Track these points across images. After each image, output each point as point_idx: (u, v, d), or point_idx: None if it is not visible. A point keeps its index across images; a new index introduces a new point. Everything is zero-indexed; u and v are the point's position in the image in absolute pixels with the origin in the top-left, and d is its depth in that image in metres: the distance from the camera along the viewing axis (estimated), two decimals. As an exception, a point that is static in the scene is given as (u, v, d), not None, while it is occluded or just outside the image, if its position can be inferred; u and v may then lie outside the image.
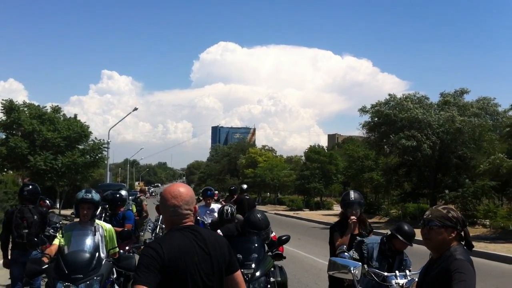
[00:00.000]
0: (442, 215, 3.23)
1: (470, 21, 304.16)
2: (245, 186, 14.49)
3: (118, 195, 8.64)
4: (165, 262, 2.75)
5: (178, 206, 2.94)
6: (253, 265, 5.41)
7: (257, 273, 5.37)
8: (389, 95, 26.93)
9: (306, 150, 47.93)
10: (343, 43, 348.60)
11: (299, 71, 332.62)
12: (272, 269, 5.93)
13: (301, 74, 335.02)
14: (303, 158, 50.55)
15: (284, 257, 6.32)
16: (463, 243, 3.23)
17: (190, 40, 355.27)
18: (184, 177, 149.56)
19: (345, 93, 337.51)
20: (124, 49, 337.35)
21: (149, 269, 2.74)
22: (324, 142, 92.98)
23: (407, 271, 4.82)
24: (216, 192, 13.93)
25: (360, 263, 4.68)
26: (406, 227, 5.24)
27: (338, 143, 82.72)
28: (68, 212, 18.98)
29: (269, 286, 5.56)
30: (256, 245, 5.67)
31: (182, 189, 3.03)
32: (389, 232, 5.18)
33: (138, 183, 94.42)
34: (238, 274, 3.17)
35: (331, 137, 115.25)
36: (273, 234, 6.46)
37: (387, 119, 25.70)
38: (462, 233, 3.22)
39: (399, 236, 5.08)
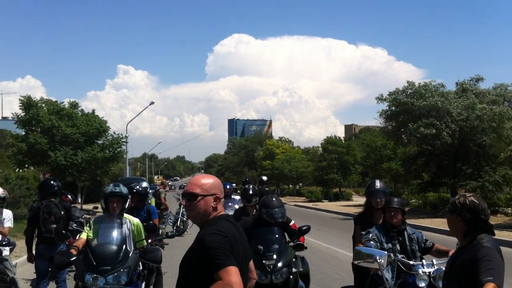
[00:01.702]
0: (452, 201, 3.33)
1: (487, 7, 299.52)
2: (265, 178, 14.50)
3: (142, 188, 8.69)
4: (233, 247, 2.81)
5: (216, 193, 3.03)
6: (275, 256, 5.40)
7: (279, 264, 5.36)
8: (408, 82, 26.63)
9: (323, 141, 47.83)
10: (357, 33, 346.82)
11: (314, 61, 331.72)
12: (294, 259, 5.92)
13: (315, 65, 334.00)
14: (320, 149, 50.42)
15: (305, 247, 6.31)
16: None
17: (203, 33, 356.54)
18: (202, 170, 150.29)
19: (360, 83, 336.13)
20: (139, 44, 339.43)
21: (231, 252, 2.77)
22: (341, 133, 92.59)
23: (434, 260, 4.79)
24: (234, 184, 14.07)
25: (386, 252, 4.67)
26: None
27: (355, 133, 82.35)
28: (89, 206, 19.15)
29: (291, 276, 5.54)
30: (276, 236, 5.66)
31: (208, 176, 3.15)
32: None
33: (158, 177, 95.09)
34: (252, 262, 3.25)
35: (348, 128, 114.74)
36: (292, 222, 6.42)
37: (405, 108, 25.41)
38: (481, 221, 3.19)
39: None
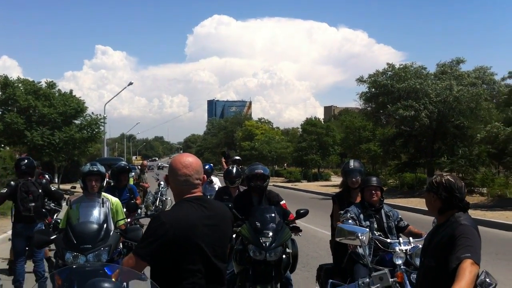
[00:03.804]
0: (429, 181, 3.44)
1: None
2: (236, 157, 14.46)
3: (123, 165, 8.68)
4: (170, 233, 2.77)
5: (190, 175, 2.97)
6: (271, 234, 5.43)
7: (274, 242, 5.42)
8: (388, 64, 26.82)
9: (303, 122, 48.01)
10: (338, 15, 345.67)
11: (295, 43, 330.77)
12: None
13: (296, 47, 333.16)
14: (300, 130, 50.62)
15: (300, 230, 6.35)
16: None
17: (183, 14, 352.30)
18: (181, 151, 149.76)
19: (341, 65, 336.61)
20: (118, 24, 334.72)
21: (150, 242, 2.80)
22: (320, 114, 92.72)
23: (410, 238, 4.89)
24: (212, 165, 14.09)
25: (367, 229, 4.76)
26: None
27: (334, 115, 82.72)
28: (67, 186, 19.04)
29: (284, 256, 5.58)
30: (273, 215, 5.71)
31: (192, 159, 3.06)
32: None
33: (136, 157, 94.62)
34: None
35: (328, 109, 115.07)
36: (283, 202, 6.45)
37: (384, 90, 25.63)
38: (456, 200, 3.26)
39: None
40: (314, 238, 12.03)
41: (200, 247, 2.84)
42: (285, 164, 56.94)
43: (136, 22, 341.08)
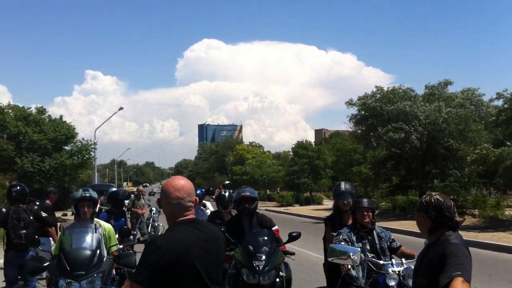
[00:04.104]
0: (419, 201, 3.47)
1: (454, 13, 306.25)
2: (226, 181, 14.54)
3: (123, 191, 8.74)
4: (166, 257, 2.77)
5: (182, 198, 2.98)
6: (264, 257, 5.45)
7: (268, 266, 5.42)
8: (376, 87, 27.13)
9: (294, 146, 48.15)
10: (327, 38, 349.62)
11: (284, 67, 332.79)
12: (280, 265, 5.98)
13: (286, 70, 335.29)
14: (291, 153, 50.72)
15: (293, 253, 6.37)
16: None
17: (173, 38, 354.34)
18: (172, 176, 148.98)
19: (330, 88, 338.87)
20: (108, 49, 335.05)
21: (147, 266, 2.78)
22: (311, 137, 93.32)
23: (403, 260, 4.92)
24: (203, 190, 14.10)
25: (358, 249, 4.79)
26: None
27: (325, 138, 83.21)
28: (58, 214, 18.87)
29: (278, 280, 5.59)
30: (266, 238, 5.73)
31: (183, 182, 3.07)
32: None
33: (127, 183, 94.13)
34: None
35: (318, 132, 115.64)
36: (275, 228, 6.47)
37: (374, 112, 25.88)
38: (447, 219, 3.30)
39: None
40: (308, 262, 11.98)
41: (196, 270, 2.84)
42: (278, 188, 56.84)
43: (126, 46, 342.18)
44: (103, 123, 53.13)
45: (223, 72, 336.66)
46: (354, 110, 27.30)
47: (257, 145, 72.34)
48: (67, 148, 28.45)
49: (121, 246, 6.17)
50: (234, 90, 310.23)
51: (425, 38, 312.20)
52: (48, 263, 5.04)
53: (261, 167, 52.23)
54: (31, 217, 7.48)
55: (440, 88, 26.65)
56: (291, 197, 44.41)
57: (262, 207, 39.10)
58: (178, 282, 2.80)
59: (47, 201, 9.89)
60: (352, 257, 4.60)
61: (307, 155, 43.75)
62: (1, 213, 7.64)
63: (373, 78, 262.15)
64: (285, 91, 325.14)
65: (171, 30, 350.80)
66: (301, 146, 45.93)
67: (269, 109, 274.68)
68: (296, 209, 36.69)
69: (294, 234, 6.21)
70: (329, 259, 4.87)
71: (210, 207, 10.84)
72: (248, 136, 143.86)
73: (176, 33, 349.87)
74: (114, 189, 13.93)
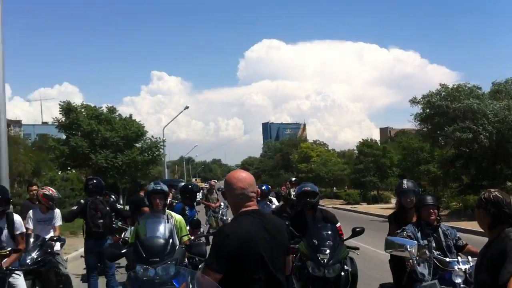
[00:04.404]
0: (479, 197, 3.53)
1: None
2: (293, 178, 14.73)
3: (195, 185, 9.21)
4: (233, 246, 3.00)
5: (245, 189, 3.19)
6: (328, 251, 5.57)
7: (332, 259, 5.54)
8: (440, 85, 26.42)
9: (358, 144, 47.61)
10: (388, 36, 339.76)
11: (345, 65, 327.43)
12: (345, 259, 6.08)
13: (347, 69, 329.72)
14: (356, 152, 50.17)
15: (357, 248, 6.48)
16: None
17: (234, 39, 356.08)
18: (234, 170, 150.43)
19: (394, 86, 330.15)
20: (172, 51, 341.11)
21: (219, 254, 3.03)
22: (376, 136, 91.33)
23: (469, 257, 4.92)
24: (270, 186, 14.48)
25: (416, 242, 4.84)
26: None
27: (390, 136, 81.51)
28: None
29: (342, 273, 5.68)
30: (330, 232, 5.85)
31: (245, 174, 3.32)
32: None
33: (195, 179, 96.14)
34: (290, 257, 3.49)
35: (383, 131, 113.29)
36: (338, 225, 6.58)
37: (439, 110, 25.18)
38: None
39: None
40: (375, 259, 11.97)
41: (261, 257, 3.04)
42: (346, 187, 56.28)
43: (190, 48, 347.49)
44: (171, 121, 54.54)
45: (284, 71, 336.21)
46: (418, 109, 26.72)
47: (321, 143, 71.90)
48: (137, 145, 29.46)
49: (192, 237, 6.49)
50: (295, 89, 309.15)
51: (491, 34, 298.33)
52: (125, 250, 5.40)
53: (326, 165, 51.99)
54: (107, 208, 7.96)
55: (508, 85, 25.68)
56: (357, 195, 43.97)
57: (329, 205, 38.99)
58: (244, 269, 3.02)
59: (141, 193, 10.46)
60: (409, 249, 4.66)
61: (372, 153, 43.16)
62: (80, 204, 8.19)
63: (438, 76, 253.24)
64: (347, 89, 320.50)
65: (232, 31, 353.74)
66: (366, 145, 45.31)
67: (332, 107, 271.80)
68: (363, 207, 36.26)
69: (357, 229, 6.30)
70: (386, 251, 4.96)
71: (275, 202, 11.09)
72: (312, 135, 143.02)
73: (236, 34, 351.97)
74: (183, 183, 14.46)
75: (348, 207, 36.77)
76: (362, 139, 48.09)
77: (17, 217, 6.22)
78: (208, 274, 3.03)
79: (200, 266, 5.69)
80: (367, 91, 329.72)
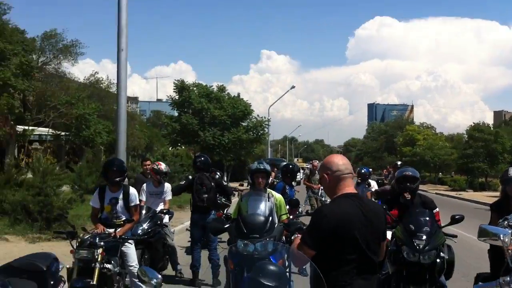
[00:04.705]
0: None
1: None
2: (399, 162, 14.58)
3: (294, 166, 9.63)
4: (330, 226, 3.14)
5: (341, 171, 3.34)
6: (424, 237, 5.57)
7: (428, 245, 5.54)
8: None
9: (468, 128, 45.46)
10: (510, 12, 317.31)
11: (461, 44, 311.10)
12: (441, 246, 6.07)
13: (463, 47, 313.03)
14: (466, 136, 47.93)
15: (455, 236, 6.40)
16: None
17: (345, 17, 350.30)
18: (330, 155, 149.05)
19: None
20: (282, 29, 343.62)
21: (315, 233, 3.22)
22: (489, 119, 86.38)
23: None
24: (371, 169, 14.40)
25: (510, 231, 4.76)
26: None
27: (505, 120, 76.68)
28: (234, 184, 20.42)
29: (438, 260, 5.64)
30: (428, 218, 5.86)
31: (340, 156, 3.53)
32: None
33: (297, 159, 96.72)
34: (384, 243, 3.53)
35: (497, 114, 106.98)
36: (436, 210, 6.54)
37: None
38: None
39: None
40: (476, 248, 11.64)
41: (355, 239, 3.15)
42: (453, 172, 54.07)
43: (299, 26, 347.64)
44: (276, 100, 55.29)
45: (395, 50, 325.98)
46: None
47: (429, 126, 69.34)
48: (243, 124, 30.28)
49: (291, 217, 6.77)
50: (406, 68, 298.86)
51: None
52: (228, 225, 5.80)
53: (432, 149, 50.23)
54: (213, 184, 8.41)
55: None
56: (464, 182, 42.17)
57: (432, 191, 37.79)
58: (339, 248, 3.16)
59: None
60: (502, 238, 4.62)
61: (483, 138, 41.05)
62: (187, 179, 8.74)
63: None
64: (461, 69, 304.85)
65: (343, 9, 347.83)
66: (476, 129, 43.16)
67: (443, 88, 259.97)
68: (469, 194, 34.74)
69: (457, 217, 6.20)
70: (479, 239, 4.92)
71: (375, 185, 11.10)
72: (419, 117, 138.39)
73: (347, 12, 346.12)
74: (284, 163, 14.81)
75: (453, 193, 35.42)
76: (473, 123, 45.86)
77: (132, 190, 6.73)
78: (302, 250, 3.22)
79: (292, 238, 5.96)
80: (483, 72, 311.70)
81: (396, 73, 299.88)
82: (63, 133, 25.56)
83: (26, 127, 23.46)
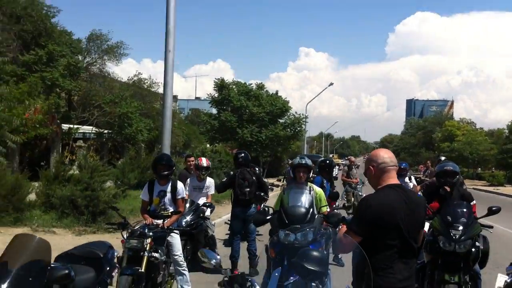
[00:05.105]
0: None
1: None
2: (442, 157, 14.64)
3: (330, 161, 10.00)
4: (375, 214, 3.41)
5: (386, 163, 3.60)
6: (461, 228, 5.76)
7: (464, 236, 5.73)
8: None
9: (509, 123, 44.56)
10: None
11: (505, 38, 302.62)
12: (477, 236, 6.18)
13: (507, 42, 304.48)
14: (506, 131, 46.95)
15: (491, 226, 6.56)
16: None
17: (385, 12, 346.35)
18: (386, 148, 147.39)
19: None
20: (321, 26, 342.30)
21: (361, 221, 3.48)
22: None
23: None
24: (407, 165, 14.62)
25: None
26: None
27: (549, 116, 74.51)
28: (270, 180, 20.68)
29: (473, 249, 5.83)
30: (465, 210, 6.05)
31: (385, 150, 3.79)
32: None
33: (332, 155, 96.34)
34: (422, 231, 3.77)
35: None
36: (473, 202, 6.69)
37: None
38: None
39: None
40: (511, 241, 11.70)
41: (398, 227, 3.41)
42: (493, 168, 53.01)
43: (338, 23, 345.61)
44: (314, 97, 55.36)
45: (436, 45, 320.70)
46: None
47: (469, 121, 68.09)
48: (281, 120, 30.60)
49: (328, 210, 7.04)
50: (447, 64, 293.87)
51: None
52: (271, 216, 6.12)
53: (471, 144, 49.45)
54: (254, 178, 8.73)
55: None
56: (502, 177, 41.42)
57: (470, 186, 37.07)
58: (383, 235, 3.42)
59: None
60: None
61: (524, 133, 40.26)
62: (229, 175, 9.07)
63: None
64: (505, 64, 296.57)
65: (383, 5, 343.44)
66: (517, 124, 42.32)
67: (485, 83, 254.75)
68: (508, 189, 34.15)
69: (494, 208, 6.32)
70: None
71: (413, 181, 11.25)
72: (459, 112, 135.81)
73: (388, 7, 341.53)
74: (322, 159, 15.09)
75: (491, 188, 34.88)
76: (514, 118, 44.91)
77: (179, 184, 7.12)
78: (349, 236, 3.50)
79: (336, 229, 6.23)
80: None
81: (436, 69, 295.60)
82: (106, 131, 26.27)
83: (71, 126, 24.24)
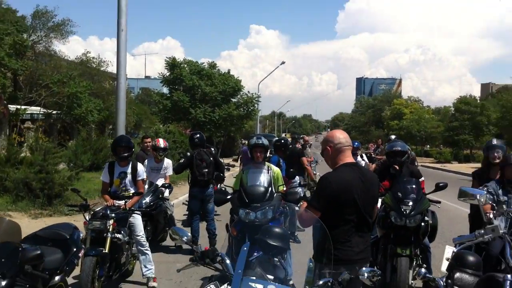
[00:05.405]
0: None
1: None
2: (393, 136, 15.11)
3: (286, 140, 10.20)
4: (334, 191, 3.66)
5: (342, 143, 3.86)
6: (411, 203, 6.06)
7: (414, 211, 6.04)
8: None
9: (455, 101, 46.14)
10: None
11: (451, 17, 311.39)
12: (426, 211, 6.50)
13: (453, 20, 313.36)
14: (452, 109, 48.62)
15: (439, 202, 6.93)
16: None
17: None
18: (328, 129, 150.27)
19: (502, 39, 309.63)
20: (271, 4, 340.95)
21: (321, 196, 3.72)
22: (477, 92, 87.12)
23: None
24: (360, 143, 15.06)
25: (484, 191, 5.35)
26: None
27: (492, 93, 77.43)
28: (226, 161, 20.84)
29: (422, 224, 6.16)
30: (414, 186, 6.37)
31: (341, 131, 4.06)
32: None
33: (285, 134, 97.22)
34: (376, 206, 4.07)
35: (485, 87, 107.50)
36: (422, 179, 7.03)
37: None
38: None
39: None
40: (458, 217, 12.21)
41: (355, 202, 3.68)
42: (441, 145, 54.82)
43: (290, 1, 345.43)
44: (266, 76, 55.54)
45: (385, 23, 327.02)
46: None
47: (416, 99, 69.96)
48: (234, 100, 30.63)
49: (284, 189, 7.24)
50: (395, 42, 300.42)
51: None
52: (231, 196, 6.27)
53: (419, 122, 50.96)
54: (211, 158, 8.84)
55: None
56: (449, 154, 43.00)
57: (418, 163, 38.29)
58: (341, 210, 3.68)
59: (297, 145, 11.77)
60: (478, 198, 5.19)
61: (469, 110, 41.76)
62: (187, 157, 9.14)
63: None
64: (451, 42, 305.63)
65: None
66: (463, 102, 43.82)
67: (432, 61, 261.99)
68: (454, 166, 35.50)
69: (441, 184, 6.71)
70: (459, 199, 5.47)
71: (365, 159, 11.61)
72: (407, 90, 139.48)
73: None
74: (276, 138, 15.32)
75: (438, 165, 36.15)
76: (460, 96, 46.54)
77: (139, 165, 7.14)
78: (310, 211, 3.71)
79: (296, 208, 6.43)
80: (472, 44, 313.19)
81: (385, 47, 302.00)
82: (54, 112, 25.66)
83: (18, 106, 23.57)
